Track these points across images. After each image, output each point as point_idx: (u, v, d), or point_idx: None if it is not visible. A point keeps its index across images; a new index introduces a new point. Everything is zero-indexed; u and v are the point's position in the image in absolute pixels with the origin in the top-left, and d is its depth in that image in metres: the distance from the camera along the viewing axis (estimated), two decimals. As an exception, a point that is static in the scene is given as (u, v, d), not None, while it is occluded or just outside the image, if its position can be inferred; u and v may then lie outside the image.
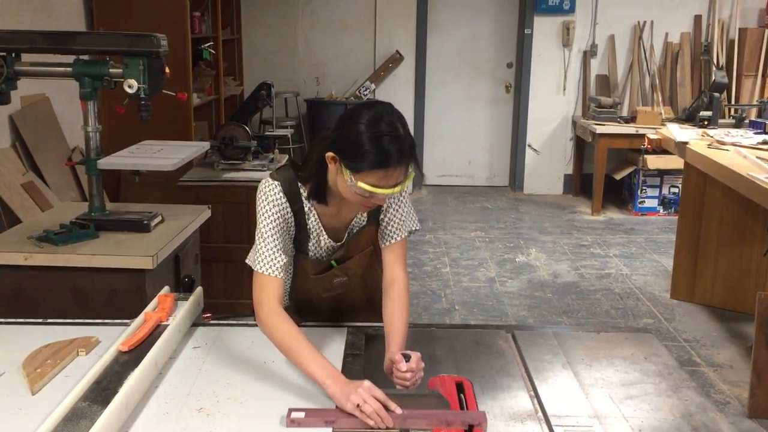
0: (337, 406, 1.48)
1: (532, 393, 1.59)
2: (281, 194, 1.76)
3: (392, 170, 1.61)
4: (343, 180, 1.65)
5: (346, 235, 1.89)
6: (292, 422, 1.44)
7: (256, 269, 1.73)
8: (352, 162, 1.62)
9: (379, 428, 1.43)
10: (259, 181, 1.82)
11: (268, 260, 1.72)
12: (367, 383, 1.47)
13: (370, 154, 1.59)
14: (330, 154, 1.67)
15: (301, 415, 1.45)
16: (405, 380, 1.55)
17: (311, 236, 1.84)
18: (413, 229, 1.89)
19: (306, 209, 1.81)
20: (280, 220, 1.76)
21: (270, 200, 1.75)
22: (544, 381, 1.64)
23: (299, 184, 1.79)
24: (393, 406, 1.46)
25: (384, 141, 1.59)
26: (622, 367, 1.72)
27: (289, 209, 1.77)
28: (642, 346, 1.83)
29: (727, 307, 4.20)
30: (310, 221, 1.83)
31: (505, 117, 7.23)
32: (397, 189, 1.64)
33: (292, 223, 1.80)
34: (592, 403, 1.55)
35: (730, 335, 3.88)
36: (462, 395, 1.53)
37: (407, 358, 1.56)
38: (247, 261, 1.80)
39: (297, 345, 1.60)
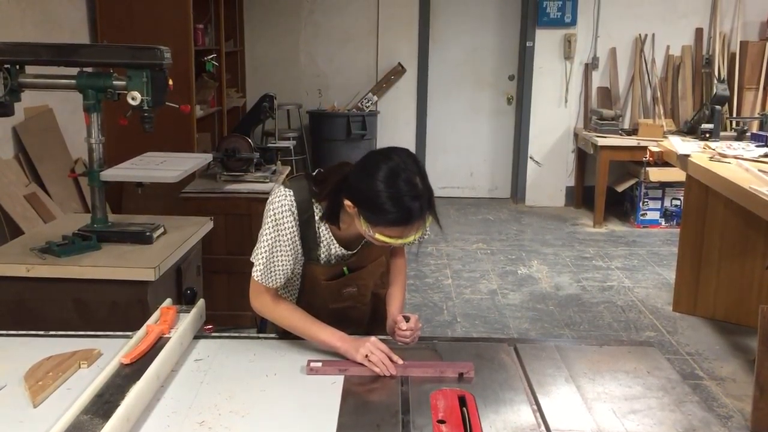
0: (348, 360, 1.72)
1: (535, 407, 1.58)
2: (292, 203, 1.78)
3: (411, 225, 1.67)
4: (360, 224, 1.71)
5: (360, 246, 1.91)
6: (311, 370, 1.69)
7: (253, 274, 1.81)
8: (370, 215, 1.67)
9: (385, 375, 1.67)
10: (262, 193, 1.86)
11: (266, 273, 1.80)
12: (373, 338, 1.74)
13: (390, 214, 1.64)
14: (348, 203, 1.70)
15: (319, 364, 1.70)
16: (405, 337, 1.80)
17: (321, 244, 1.86)
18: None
19: (317, 218, 1.83)
20: (287, 230, 1.78)
21: (280, 208, 1.78)
22: (547, 395, 1.63)
23: (312, 199, 1.81)
24: (396, 357, 1.71)
25: (404, 201, 1.63)
26: (625, 381, 1.71)
27: (294, 222, 1.79)
28: (645, 360, 1.82)
29: (730, 320, 4.19)
30: (320, 230, 1.85)
31: (506, 129, 7.25)
32: (416, 237, 1.73)
33: (296, 235, 1.81)
34: (595, 417, 1.54)
35: (733, 349, 3.87)
36: (464, 408, 1.53)
37: (407, 319, 1.82)
38: (252, 258, 1.83)
39: (302, 322, 1.81)
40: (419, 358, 1.76)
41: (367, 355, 1.69)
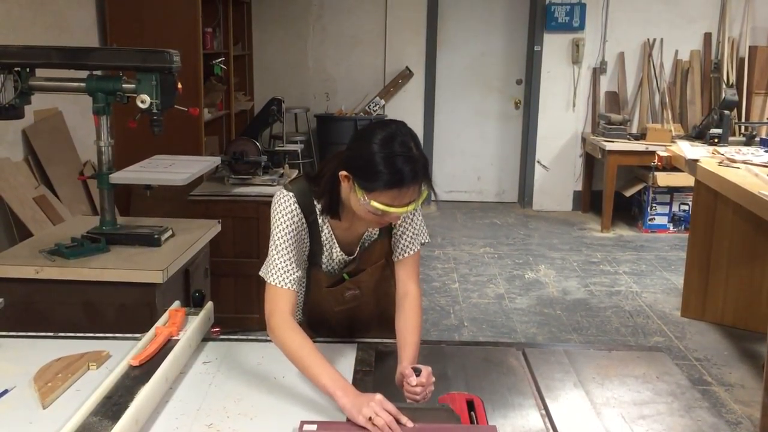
0: (348, 419, 1.48)
1: (544, 411, 1.58)
2: (296, 205, 1.76)
3: (405, 190, 1.62)
4: (356, 198, 1.66)
5: (359, 248, 1.90)
6: None
7: (268, 281, 1.73)
8: (365, 182, 1.63)
9: None
10: (269, 196, 1.84)
11: (281, 273, 1.73)
12: (378, 396, 1.48)
13: (384, 175, 1.60)
14: (343, 172, 1.67)
15: (313, 427, 1.44)
16: (415, 394, 1.56)
17: (324, 249, 1.85)
18: (424, 241, 1.90)
19: (320, 221, 1.82)
20: (294, 231, 1.76)
21: (284, 211, 1.76)
22: (556, 399, 1.63)
23: (314, 200, 1.80)
24: (404, 419, 1.45)
25: (397, 161, 1.59)
26: (634, 386, 1.71)
27: (303, 221, 1.78)
28: (654, 365, 1.82)
29: (738, 325, 4.17)
30: (323, 233, 1.84)
31: (514, 133, 7.24)
32: (410, 207, 1.65)
33: (306, 235, 1.81)
34: (604, 422, 1.53)
35: (742, 354, 3.85)
36: (473, 413, 1.52)
37: (418, 372, 1.57)
38: (260, 273, 1.82)
39: (308, 357, 1.60)
40: (432, 419, 1.48)
41: (370, 418, 1.44)
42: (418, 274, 1.89)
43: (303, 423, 1.46)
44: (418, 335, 1.76)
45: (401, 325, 1.79)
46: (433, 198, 1.73)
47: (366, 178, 1.63)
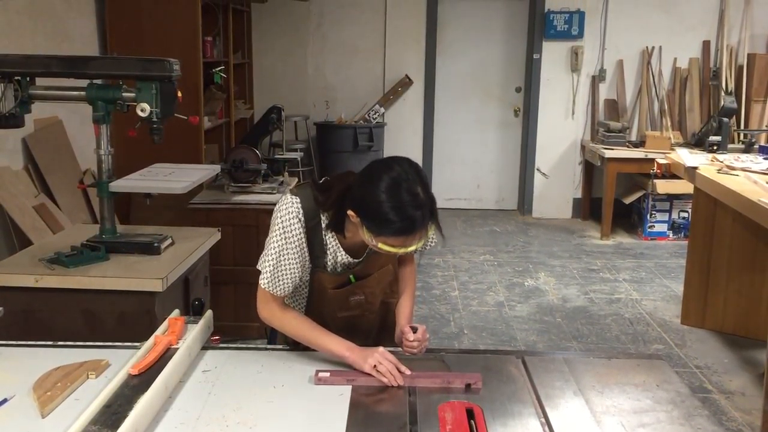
0: (356, 370, 1.72)
1: (543, 420, 1.58)
2: (299, 210, 1.80)
3: (413, 236, 1.67)
4: (363, 233, 1.71)
5: (366, 253, 1.91)
6: (320, 380, 1.69)
7: (260, 282, 1.81)
8: (373, 226, 1.67)
9: (392, 386, 1.67)
10: (269, 204, 1.87)
11: (273, 279, 1.80)
12: (381, 349, 1.74)
13: (393, 224, 1.64)
14: (351, 213, 1.71)
15: (327, 374, 1.71)
16: (413, 348, 1.82)
17: (328, 252, 1.87)
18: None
19: (323, 225, 1.84)
20: (296, 236, 1.79)
21: (286, 216, 1.79)
22: (555, 408, 1.62)
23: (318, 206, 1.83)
24: (403, 368, 1.71)
25: (406, 211, 1.64)
26: (634, 394, 1.70)
27: (302, 228, 1.80)
28: (654, 373, 1.82)
29: (739, 333, 4.17)
30: (327, 237, 1.86)
31: (513, 141, 7.25)
32: (418, 246, 1.73)
33: (304, 242, 1.82)
34: (604, 430, 1.53)
35: (742, 362, 3.85)
36: (472, 421, 1.52)
37: (414, 330, 1.84)
38: (258, 266, 1.84)
39: (310, 332, 1.81)
40: (427, 368, 1.76)
41: (375, 366, 1.69)
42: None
43: (318, 371, 1.71)
44: (413, 300, 2.04)
45: (400, 292, 2.03)
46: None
47: (374, 224, 1.67)
